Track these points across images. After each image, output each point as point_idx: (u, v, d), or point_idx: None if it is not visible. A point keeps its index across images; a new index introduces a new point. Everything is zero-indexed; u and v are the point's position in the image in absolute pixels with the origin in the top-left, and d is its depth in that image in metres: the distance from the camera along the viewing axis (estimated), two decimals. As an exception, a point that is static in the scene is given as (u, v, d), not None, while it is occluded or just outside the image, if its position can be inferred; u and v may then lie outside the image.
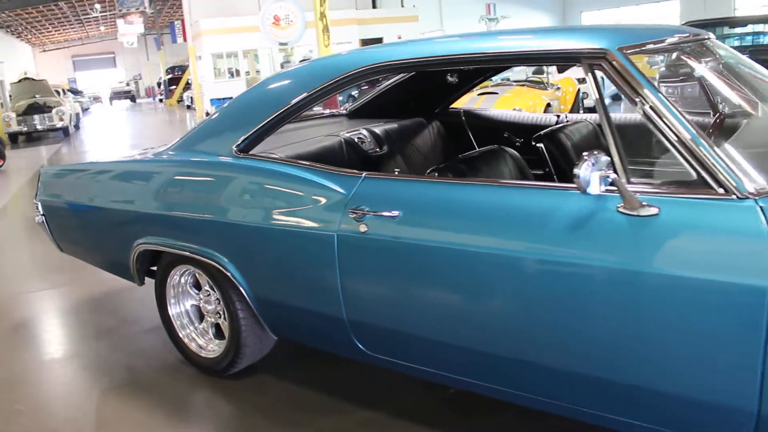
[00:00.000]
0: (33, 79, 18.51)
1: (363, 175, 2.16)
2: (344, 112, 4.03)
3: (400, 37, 21.94)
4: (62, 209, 3.29)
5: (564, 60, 1.92)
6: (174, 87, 30.17)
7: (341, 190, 2.16)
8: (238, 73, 19.79)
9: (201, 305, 2.87)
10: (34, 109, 16.56)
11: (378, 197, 2.08)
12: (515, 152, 2.72)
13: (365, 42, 21.01)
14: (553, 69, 9.44)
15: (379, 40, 21.67)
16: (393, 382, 2.67)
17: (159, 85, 36.35)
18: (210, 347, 2.85)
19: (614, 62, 1.78)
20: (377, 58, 2.24)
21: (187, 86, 28.32)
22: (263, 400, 2.62)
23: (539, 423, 2.29)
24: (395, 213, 2.01)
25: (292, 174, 2.31)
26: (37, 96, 16.99)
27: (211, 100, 18.28)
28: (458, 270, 1.90)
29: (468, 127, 3.76)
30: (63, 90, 20.27)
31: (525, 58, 2.00)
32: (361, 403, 2.53)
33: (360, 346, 2.25)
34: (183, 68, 31.57)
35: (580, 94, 10.03)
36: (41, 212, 3.40)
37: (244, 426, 2.46)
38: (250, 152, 2.50)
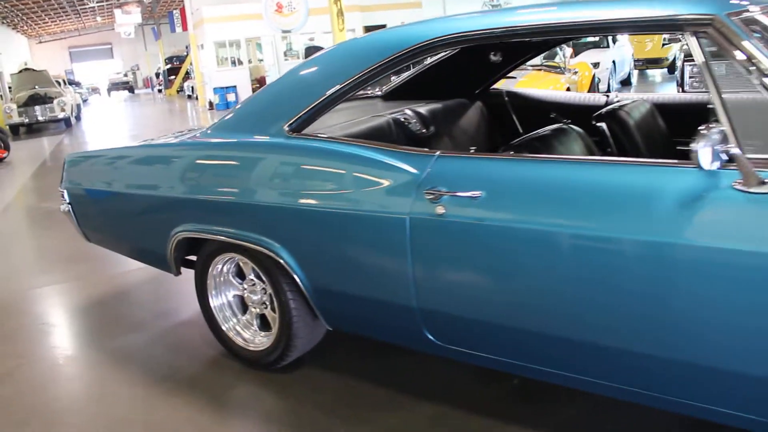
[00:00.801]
0: (33, 70, 18.25)
1: (437, 153, 2.01)
2: (379, 93, 3.86)
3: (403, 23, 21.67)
4: (90, 197, 3.14)
5: (666, 28, 1.76)
6: (173, 77, 29.88)
7: (413, 170, 2.00)
8: (240, 61, 19.54)
9: (245, 295, 2.72)
10: (35, 100, 16.33)
11: (456, 177, 1.92)
12: (582, 131, 2.57)
13: (369, 29, 20.75)
14: (568, 53, 9.26)
15: (382, 27, 21.43)
16: (449, 373, 2.54)
17: (157, 75, 36.05)
18: (257, 340, 2.70)
19: (723, 29, 1.63)
20: (452, 29, 2.07)
21: (187, 76, 28.09)
22: (319, 396, 2.47)
23: (613, 413, 2.15)
24: (477, 193, 1.86)
25: (356, 154, 2.15)
26: (37, 87, 16.75)
27: (215, 89, 18.04)
28: (549, 254, 1.75)
29: (511, 108, 3.60)
30: (63, 81, 20.00)
31: (624, 26, 1.84)
32: (423, 397, 2.39)
33: (430, 336, 2.10)
34: (181, 58, 31.31)
35: (596, 79, 9.84)
36: (67, 201, 3.25)
37: (302, 424, 2.31)
38: (302, 132, 2.35)
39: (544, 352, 1.89)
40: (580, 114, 3.41)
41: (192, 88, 23.74)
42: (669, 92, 3.43)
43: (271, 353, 2.61)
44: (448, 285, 2.00)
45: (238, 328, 2.76)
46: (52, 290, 4.04)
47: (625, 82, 13.55)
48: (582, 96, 3.48)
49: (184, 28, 26.41)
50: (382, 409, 2.35)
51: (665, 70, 16.37)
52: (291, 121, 2.34)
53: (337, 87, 2.25)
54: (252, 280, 2.66)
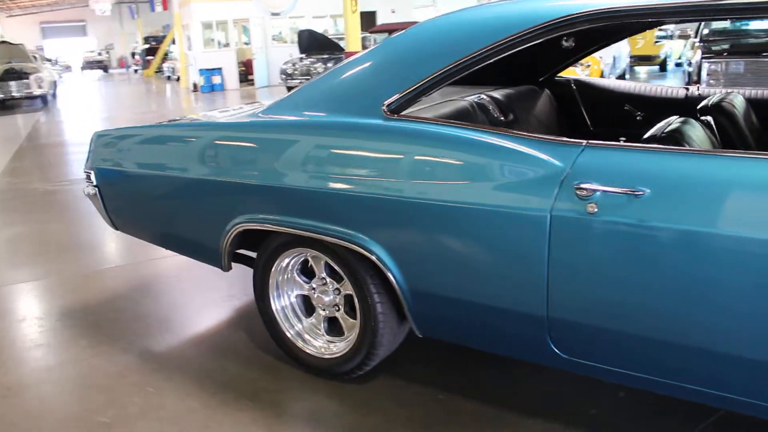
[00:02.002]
0: (9, 43, 17.37)
1: (584, 143, 1.73)
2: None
3: (393, 11, 21.35)
4: (126, 180, 2.80)
5: None
6: (151, 57, 29.00)
7: (556, 162, 1.73)
8: (227, 44, 18.98)
9: (316, 296, 2.42)
10: (11, 75, 15.54)
11: (612, 171, 1.65)
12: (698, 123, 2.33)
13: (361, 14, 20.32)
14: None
15: (372, 14, 21.04)
16: (543, 384, 2.31)
17: (133, 55, 34.96)
18: (332, 347, 2.40)
19: None
20: (599, 3, 1.78)
21: (165, 57, 27.30)
22: (406, 411, 2.19)
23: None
24: (641, 191, 1.60)
25: (482, 141, 1.86)
26: (13, 61, 15.96)
27: (200, 70, 17.46)
28: (731, 264, 1.51)
29: (579, 98, 3.35)
30: (40, 57, 19.17)
31: None
32: (525, 413, 2.14)
33: (554, 348, 1.84)
34: (158, 39, 30.41)
35: (604, 73, 9.69)
36: (94, 183, 2.91)
37: (395, 445, 2.04)
38: (402, 114, 2.06)
39: (700, 370, 1.65)
40: (655, 107, 3.19)
41: (173, 69, 23.01)
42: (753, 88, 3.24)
43: (347, 362, 2.32)
44: (592, 292, 1.73)
45: (305, 334, 2.46)
46: (52, 283, 3.67)
47: (619, 78, 13.46)
48: (656, 88, 3.24)
49: (164, 7, 25.62)
50: (483, 426, 2.08)
51: (656, 67, 16.39)
52: (391, 102, 2.04)
53: (448, 66, 1.96)
54: (323, 278, 2.37)
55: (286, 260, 2.41)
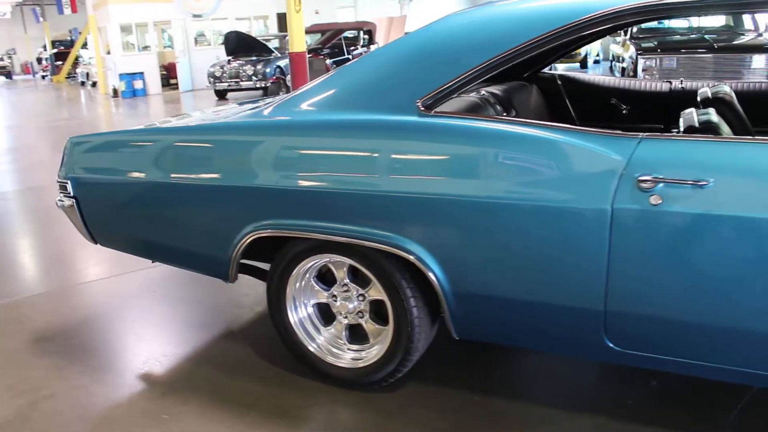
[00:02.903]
0: None
1: (641, 136, 1.74)
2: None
3: (317, 12, 21.16)
4: (112, 190, 2.59)
5: None
6: (61, 63, 27.48)
7: (614, 155, 1.72)
8: (146, 47, 18.23)
9: (338, 303, 2.32)
10: None
11: (674, 162, 1.66)
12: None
13: (282, 16, 20.04)
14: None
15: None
16: (580, 377, 2.32)
17: (39, 60, 33.02)
18: (362, 357, 2.30)
19: None
20: None
21: (76, 62, 25.97)
22: (444, 416, 2.14)
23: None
24: (705, 181, 1.61)
25: (534, 137, 1.83)
26: None
27: (121, 75, 16.66)
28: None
29: (565, 93, 3.40)
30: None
31: None
32: (568, 408, 2.14)
33: (607, 341, 1.85)
34: (66, 43, 28.88)
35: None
36: (71, 193, 2.67)
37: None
38: (436, 111, 2.00)
39: (762, 354, 1.70)
40: (640, 100, 3.28)
41: (87, 74, 21.89)
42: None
43: (378, 370, 2.24)
44: (655, 283, 1.73)
45: (330, 346, 2.36)
46: (21, 303, 3.37)
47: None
48: (640, 83, 3.33)
49: (74, 9, 24.36)
50: (532, 425, 2.06)
51: (576, 64, 17.04)
52: (425, 98, 1.98)
53: (489, 60, 1.92)
54: (345, 285, 2.28)
55: (305, 268, 2.30)
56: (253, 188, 2.19)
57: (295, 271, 2.30)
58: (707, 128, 1.95)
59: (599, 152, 1.74)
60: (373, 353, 2.27)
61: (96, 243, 2.83)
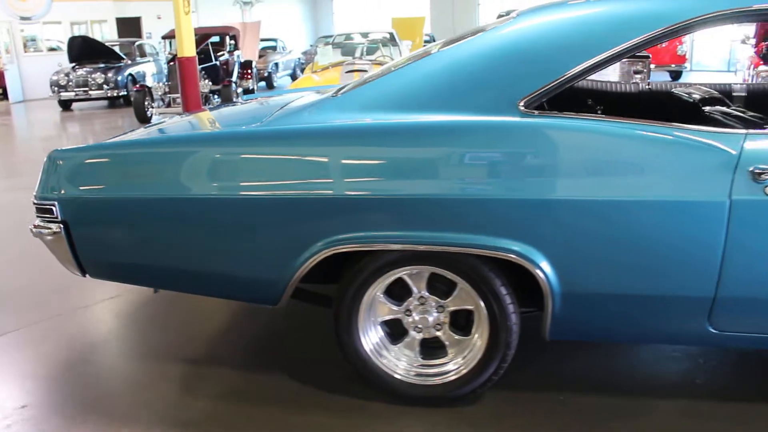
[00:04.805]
0: None
1: (745, 132, 1.85)
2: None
3: (159, 17, 19.97)
4: (123, 210, 2.22)
5: None
6: None
7: (727, 149, 1.82)
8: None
9: (413, 317, 2.19)
10: None
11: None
12: None
13: (122, 21, 18.66)
14: (398, 50, 9.49)
15: (137, 20, 19.42)
16: (636, 365, 2.45)
17: None
18: (451, 369, 2.19)
19: None
20: None
21: None
22: (535, 419, 2.12)
23: None
24: (815, 170, 1.76)
25: (648, 135, 1.87)
26: None
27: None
28: None
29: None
30: None
31: None
32: (647, 395, 2.23)
33: (708, 326, 1.95)
34: None
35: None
36: (58, 217, 2.26)
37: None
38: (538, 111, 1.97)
39: None
40: (612, 102, 3.47)
41: None
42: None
43: (468, 383, 2.15)
44: (766, 268, 1.85)
45: (418, 368, 2.22)
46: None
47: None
48: (610, 85, 3.52)
49: None
50: (624, 417, 2.11)
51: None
52: (527, 98, 1.93)
53: (593, 60, 1.92)
54: (422, 297, 2.16)
55: (382, 283, 2.14)
56: (330, 199, 2.00)
57: (370, 288, 2.14)
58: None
59: (714, 147, 1.83)
60: (460, 365, 2.17)
61: (85, 275, 2.41)
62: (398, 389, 2.21)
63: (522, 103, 1.94)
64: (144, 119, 10.53)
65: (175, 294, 3.06)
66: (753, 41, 9.00)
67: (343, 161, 2.03)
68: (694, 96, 2.85)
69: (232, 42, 12.61)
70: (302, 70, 18.08)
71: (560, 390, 2.27)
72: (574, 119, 1.94)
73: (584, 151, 1.89)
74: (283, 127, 2.20)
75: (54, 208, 2.26)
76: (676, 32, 1.91)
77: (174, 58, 10.90)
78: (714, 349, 2.48)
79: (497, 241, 1.93)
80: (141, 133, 2.64)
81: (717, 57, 16.22)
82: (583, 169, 1.89)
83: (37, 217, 2.32)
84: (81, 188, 2.25)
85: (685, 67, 13.60)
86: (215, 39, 11.96)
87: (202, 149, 2.18)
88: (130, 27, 18.84)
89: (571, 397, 2.23)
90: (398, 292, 2.20)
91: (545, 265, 1.93)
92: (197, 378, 2.48)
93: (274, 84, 16.47)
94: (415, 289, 2.16)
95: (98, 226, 2.29)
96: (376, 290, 2.17)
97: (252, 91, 12.69)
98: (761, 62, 7.95)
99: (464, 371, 2.16)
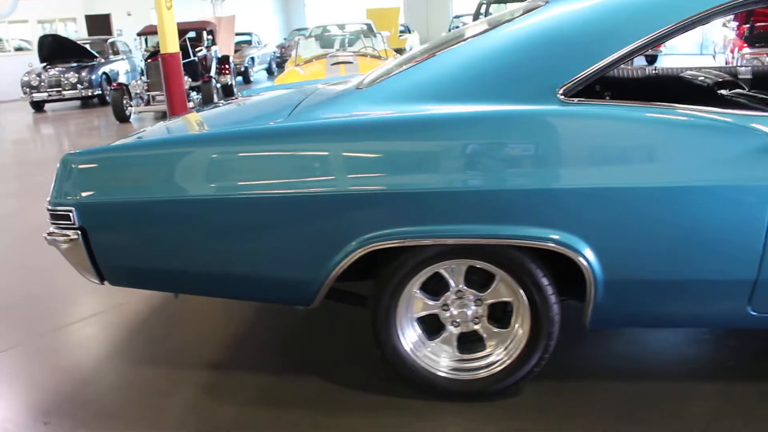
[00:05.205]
0: None
1: None
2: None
3: (130, 14, 19.58)
4: (147, 213, 2.14)
5: None
6: None
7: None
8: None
9: (450, 312, 2.15)
10: None
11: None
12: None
13: (91, 18, 18.24)
14: (379, 41, 9.40)
15: (106, 17, 19.00)
16: (670, 348, 2.45)
17: None
18: (494, 359, 2.16)
19: None
20: None
21: None
22: (582, 409, 2.10)
23: None
24: None
25: (690, 121, 1.86)
26: None
27: None
28: None
29: None
30: None
31: None
32: (690, 379, 2.23)
33: (749, 309, 1.96)
34: None
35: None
36: (75, 223, 2.17)
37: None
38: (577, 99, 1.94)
39: None
40: (625, 87, 3.45)
41: None
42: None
43: (508, 376, 2.13)
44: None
45: (458, 363, 2.19)
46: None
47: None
48: (623, 70, 3.50)
49: None
50: (676, 404, 2.11)
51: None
52: (566, 86, 1.90)
53: (630, 46, 1.89)
54: (460, 290, 2.12)
55: (418, 280, 2.10)
56: (369, 195, 1.95)
57: (409, 284, 2.09)
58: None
59: (756, 131, 1.83)
60: (503, 356, 2.14)
61: (103, 282, 2.33)
62: (439, 385, 2.17)
63: (561, 91, 1.91)
64: (123, 118, 10.32)
65: (190, 297, 2.98)
66: (735, 24, 9.12)
67: (383, 155, 1.98)
68: (708, 80, 2.85)
69: (210, 37, 12.39)
70: (278, 65, 17.92)
71: (598, 378, 2.27)
72: (614, 106, 1.92)
73: (626, 138, 1.88)
74: (316, 122, 2.14)
75: (71, 215, 2.17)
76: (711, 16, 1.89)
77: (152, 54, 10.71)
78: (741, 332, 2.49)
79: (540, 231, 1.90)
80: (161, 131, 2.55)
81: (689, 40, 16.48)
82: (625, 156, 1.87)
83: (52, 224, 2.23)
84: (101, 192, 2.17)
85: (661, 51, 13.74)
86: (192, 34, 11.72)
87: (232, 147, 2.11)
88: (99, 24, 18.43)
89: (612, 385, 2.23)
90: (433, 287, 2.16)
91: (588, 253, 1.90)
92: (221, 382, 2.42)
93: (251, 78, 16.27)
94: (452, 283, 2.12)
95: (120, 231, 2.20)
96: (414, 286, 2.13)
97: (231, 88, 12.52)
98: (745, 45, 8.06)
99: (508, 362, 2.13)
